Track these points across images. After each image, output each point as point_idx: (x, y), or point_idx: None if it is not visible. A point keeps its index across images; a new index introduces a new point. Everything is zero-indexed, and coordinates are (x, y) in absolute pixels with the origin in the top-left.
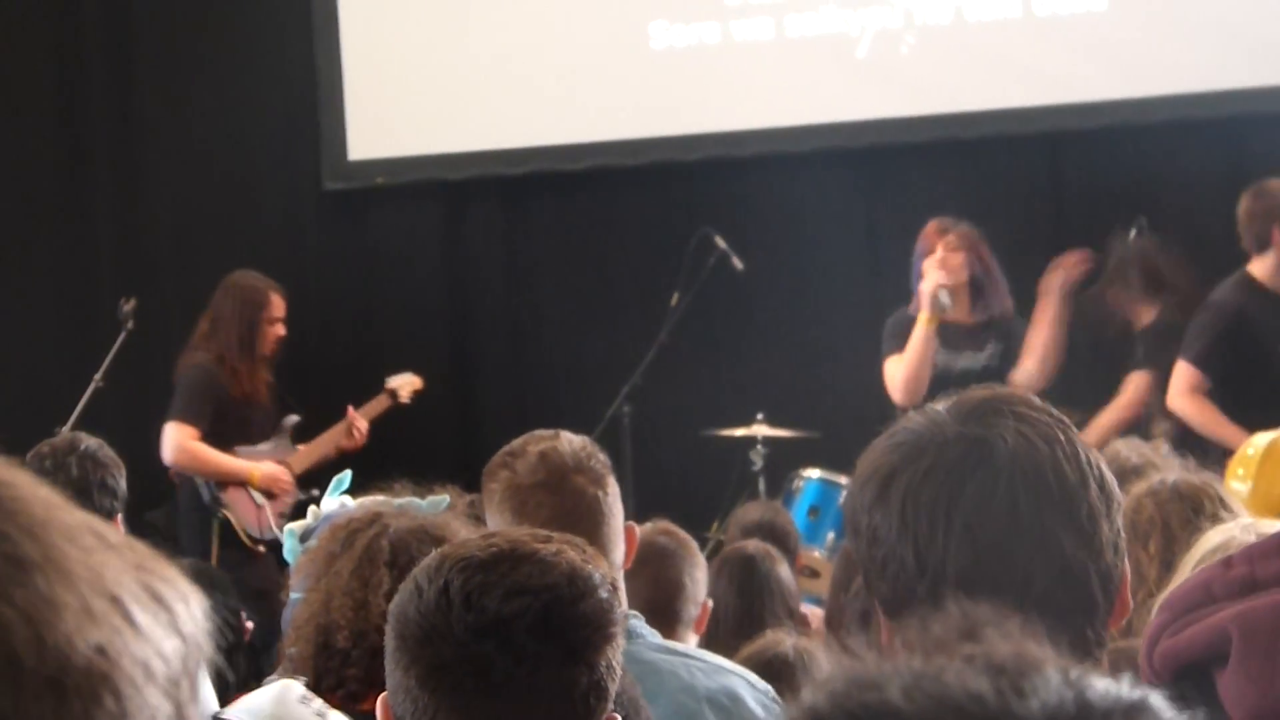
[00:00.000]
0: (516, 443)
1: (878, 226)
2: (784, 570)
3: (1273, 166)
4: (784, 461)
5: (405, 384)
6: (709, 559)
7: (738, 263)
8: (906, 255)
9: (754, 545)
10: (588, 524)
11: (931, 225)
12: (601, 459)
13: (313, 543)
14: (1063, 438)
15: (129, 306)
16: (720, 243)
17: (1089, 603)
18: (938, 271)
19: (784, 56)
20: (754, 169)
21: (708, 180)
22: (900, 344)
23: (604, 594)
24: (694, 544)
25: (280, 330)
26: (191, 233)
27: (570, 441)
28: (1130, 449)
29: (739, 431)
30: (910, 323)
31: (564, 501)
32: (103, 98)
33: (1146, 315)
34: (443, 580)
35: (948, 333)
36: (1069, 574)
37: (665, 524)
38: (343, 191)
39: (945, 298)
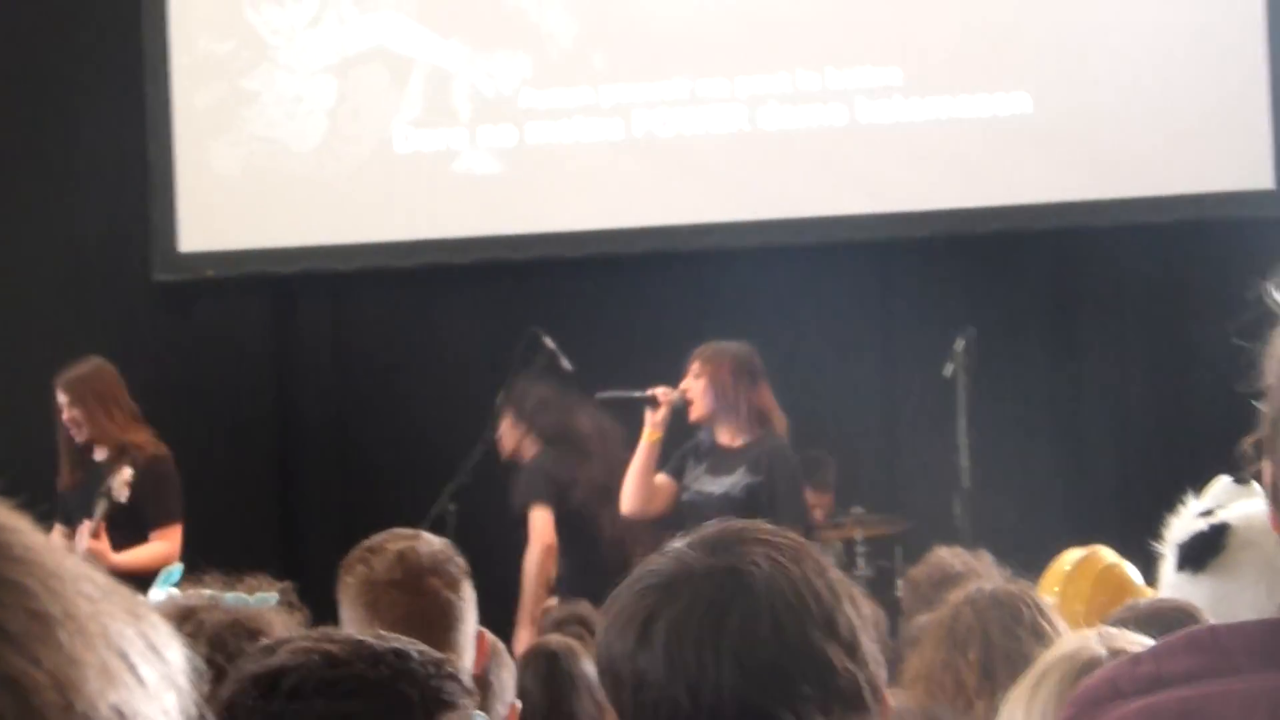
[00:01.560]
0: (377, 539)
1: (703, 330)
2: (589, 665)
3: (1103, 279)
4: None
5: (119, 482)
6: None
7: (565, 363)
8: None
9: (556, 640)
10: (440, 627)
11: (699, 350)
12: (459, 563)
13: None
14: (809, 558)
15: None
16: (548, 342)
17: (864, 712)
18: (664, 389)
19: (616, 157)
20: (584, 269)
21: (536, 280)
22: (668, 465)
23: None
24: (501, 645)
25: (68, 414)
26: (19, 321)
27: (430, 543)
28: (954, 557)
29: None
30: (687, 451)
31: (417, 602)
32: None
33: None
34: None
35: (714, 458)
36: (842, 687)
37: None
38: (173, 283)
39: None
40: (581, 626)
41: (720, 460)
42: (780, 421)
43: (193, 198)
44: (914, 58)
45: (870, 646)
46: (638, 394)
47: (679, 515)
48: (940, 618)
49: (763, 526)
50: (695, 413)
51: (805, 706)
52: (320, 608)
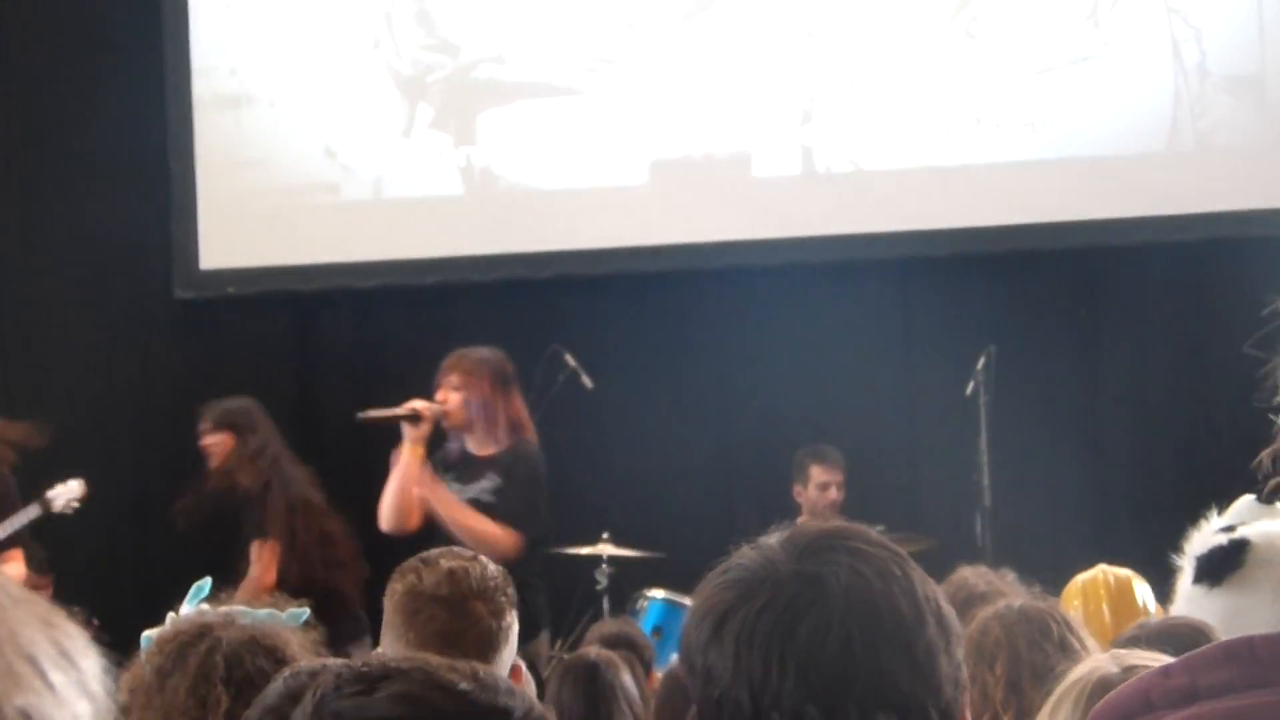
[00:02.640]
0: (433, 552)
1: (727, 348)
2: (628, 678)
3: (1124, 296)
4: (628, 580)
5: (63, 493)
6: (551, 676)
7: (587, 381)
8: (757, 377)
9: (595, 652)
10: (475, 650)
11: (448, 360)
12: (509, 593)
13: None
14: (898, 572)
15: None
16: (570, 360)
17: None
18: (424, 404)
19: (639, 175)
20: (606, 287)
21: (559, 297)
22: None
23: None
24: (520, 661)
25: None
26: (43, 337)
27: (484, 567)
28: (978, 576)
29: (584, 550)
30: (435, 462)
31: (457, 623)
32: None
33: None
34: None
35: (465, 467)
36: (906, 712)
37: None
38: (193, 300)
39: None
40: (630, 649)
41: (472, 468)
42: (531, 430)
43: (214, 215)
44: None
45: (951, 671)
46: (400, 411)
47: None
48: (968, 633)
49: (865, 534)
50: (453, 422)
51: None
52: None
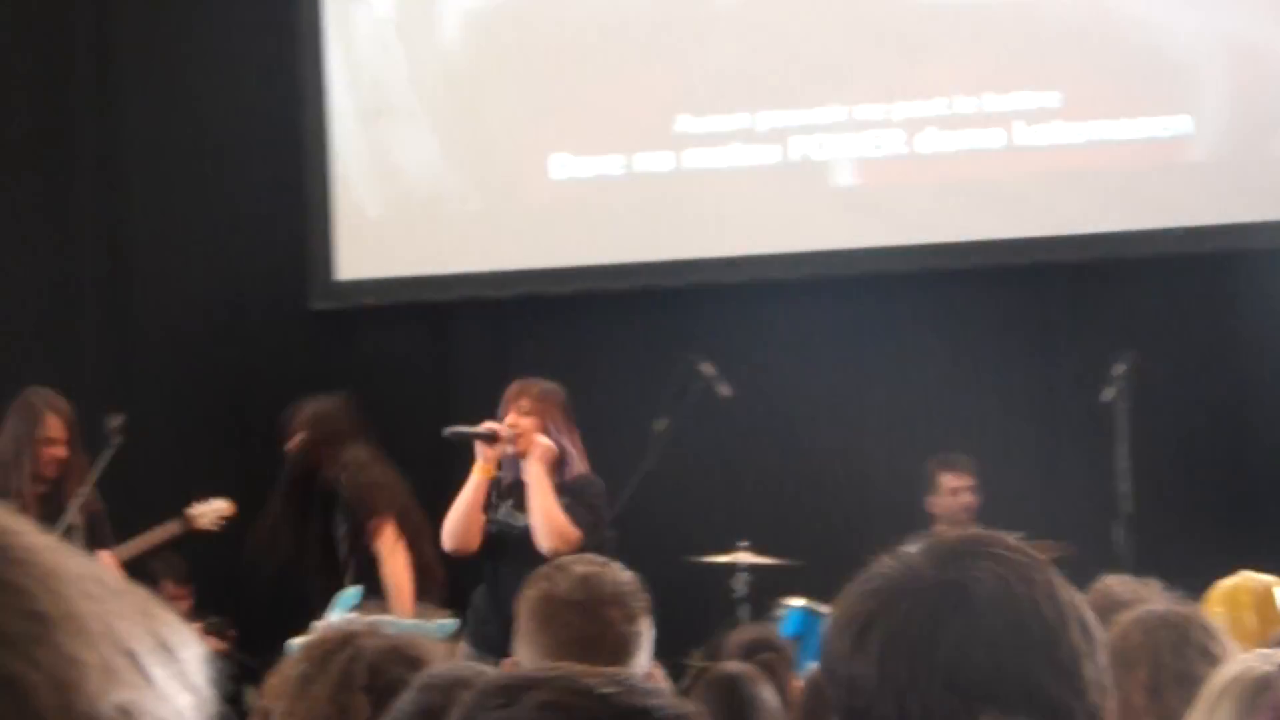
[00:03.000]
0: (567, 559)
1: (864, 356)
2: (768, 691)
3: (1264, 302)
4: (766, 589)
5: (208, 512)
6: (690, 686)
7: (723, 389)
8: (893, 385)
9: (735, 665)
10: (609, 656)
11: (512, 387)
12: (643, 598)
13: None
14: (1040, 578)
15: (116, 422)
16: (706, 369)
17: None
18: (500, 425)
19: (778, 182)
20: (742, 295)
21: (695, 306)
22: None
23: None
24: (659, 670)
25: (56, 453)
26: (180, 349)
27: (617, 573)
28: (1122, 585)
29: (722, 558)
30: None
31: (591, 628)
32: (92, 215)
33: None
34: None
35: (520, 494)
36: (1053, 717)
37: None
38: (330, 311)
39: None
40: (772, 652)
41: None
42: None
43: (350, 226)
44: (1073, 81)
45: (1095, 676)
46: (479, 430)
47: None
48: (1109, 638)
49: (1004, 540)
50: (523, 447)
51: None
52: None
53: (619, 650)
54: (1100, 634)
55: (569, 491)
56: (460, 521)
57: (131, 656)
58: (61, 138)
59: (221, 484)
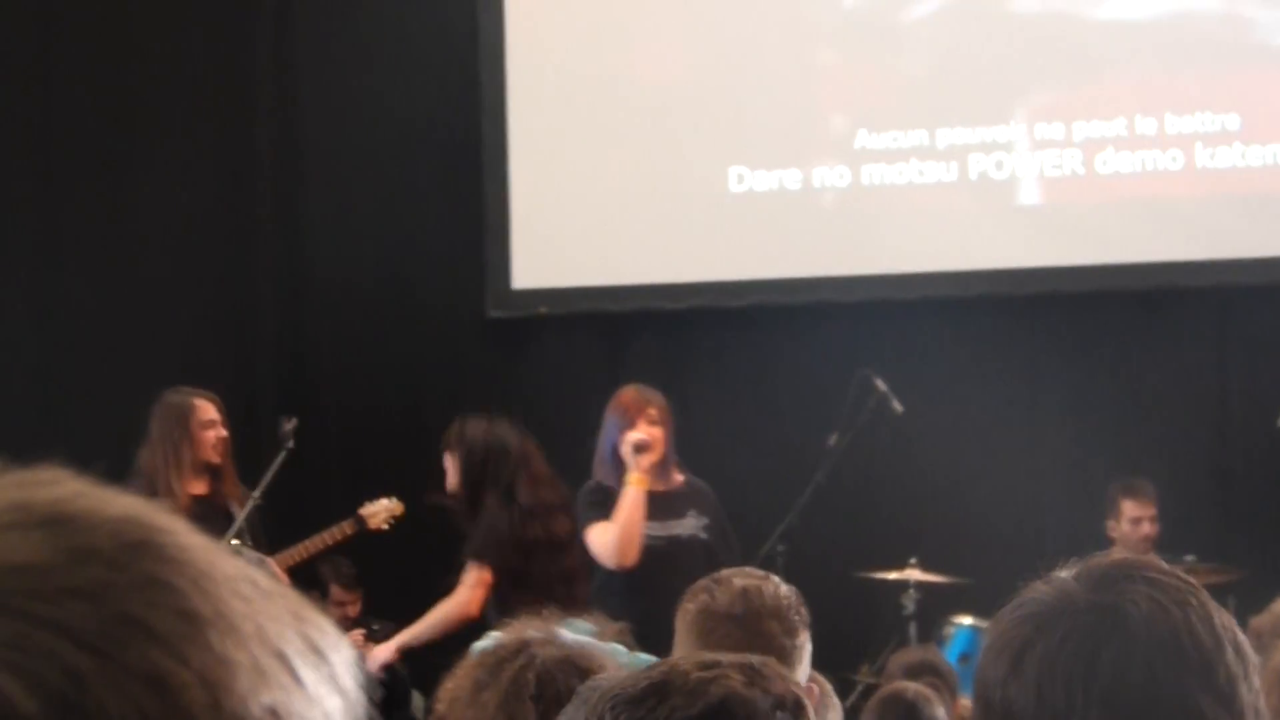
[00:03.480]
0: (726, 572)
1: (1036, 374)
2: (941, 713)
3: None
4: (936, 606)
5: (380, 511)
6: (859, 702)
7: (897, 405)
8: (1068, 405)
9: (913, 689)
10: None
11: (631, 394)
12: (802, 612)
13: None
14: (1194, 601)
15: (290, 426)
16: (880, 384)
17: None
18: (638, 436)
19: (953, 199)
20: (916, 312)
21: (869, 321)
22: (601, 512)
23: (774, 716)
24: (828, 686)
25: (219, 433)
26: (354, 354)
27: (777, 586)
28: None
29: (892, 575)
30: (604, 492)
31: (751, 641)
32: (270, 218)
33: None
34: (598, 717)
35: (650, 502)
36: None
37: None
38: (506, 320)
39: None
40: (935, 676)
41: (662, 505)
42: None
43: (527, 235)
44: (1253, 103)
45: (1251, 699)
46: (638, 440)
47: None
48: (1273, 665)
49: (1156, 564)
50: (655, 456)
51: None
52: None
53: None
54: (1254, 656)
55: (695, 504)
56: (628, 537)
57: (282, 658)
58: (242, 141)
59: (392, 490)
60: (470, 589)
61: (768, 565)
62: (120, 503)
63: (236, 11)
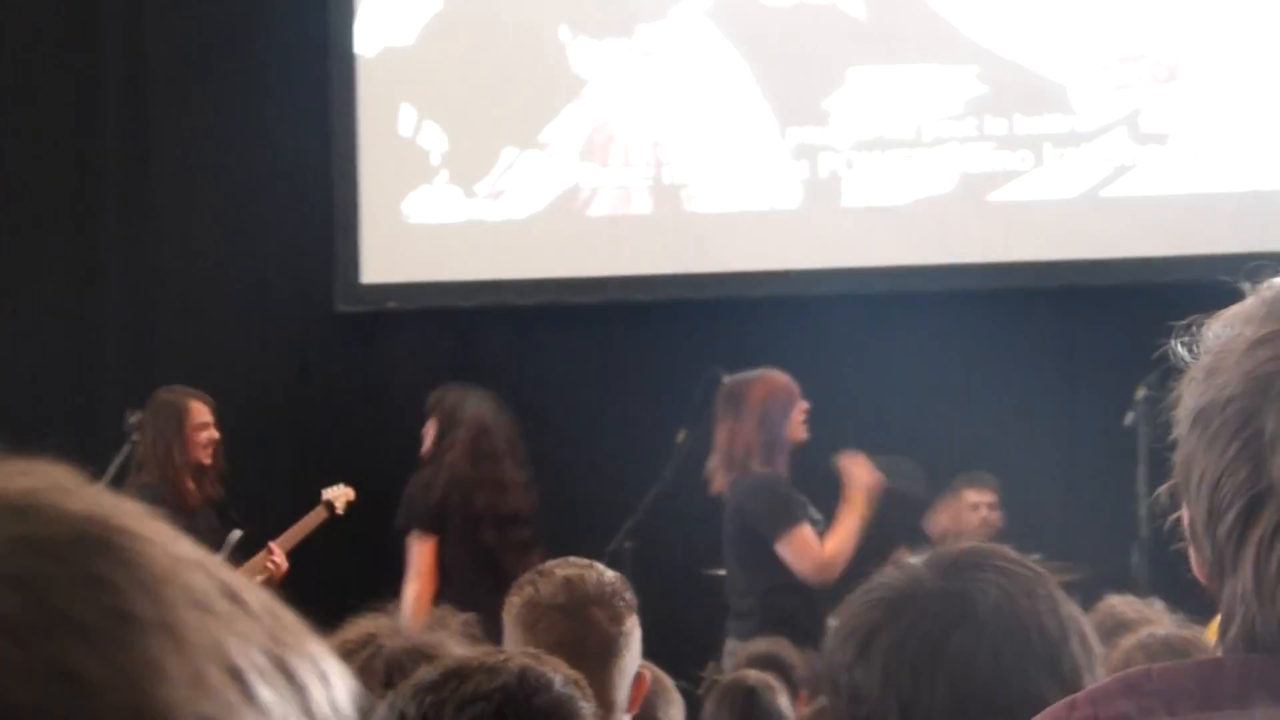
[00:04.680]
0: (549, 564)
1: (888, 373)
2: (784, 702)
3: None
4: None
5: (340, 495)
6: (704, 698)
7: None
8: (915, 404)
9: (755, 676)
10: (595, 657)
11: (786, 379)
12: (628, 598)
13: None
14: (1042, 591)
15: (134, 419)
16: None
17: None
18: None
19: (799, 200)
20: (765, 310)
21: (718, 319)
22: (801, 513)
23: (562, 689)
24: (669, 680)
25: (210, 434)
26: (201, 347)
27: (601, 574)
28: (1126, 605)
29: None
30: (790, 488)
31: (576, 630)
32: (115, 210)
33: None
34: (398, 712)
35: None
36: None
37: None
38: (354, 314)
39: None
40: (780, 668)
41: None
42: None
43: (376, 230)
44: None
45: None
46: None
47: None
48: (1111, 663)
49: (1006, 553)
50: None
51: None
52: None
53: (604, 651)
54: (1099, 648)
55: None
56: (845, 557)
57: (236, 674)
58: (88, 131)
59: (241, 483)
60: (412, 564)
61: (615, 562)
62: (94, 500)
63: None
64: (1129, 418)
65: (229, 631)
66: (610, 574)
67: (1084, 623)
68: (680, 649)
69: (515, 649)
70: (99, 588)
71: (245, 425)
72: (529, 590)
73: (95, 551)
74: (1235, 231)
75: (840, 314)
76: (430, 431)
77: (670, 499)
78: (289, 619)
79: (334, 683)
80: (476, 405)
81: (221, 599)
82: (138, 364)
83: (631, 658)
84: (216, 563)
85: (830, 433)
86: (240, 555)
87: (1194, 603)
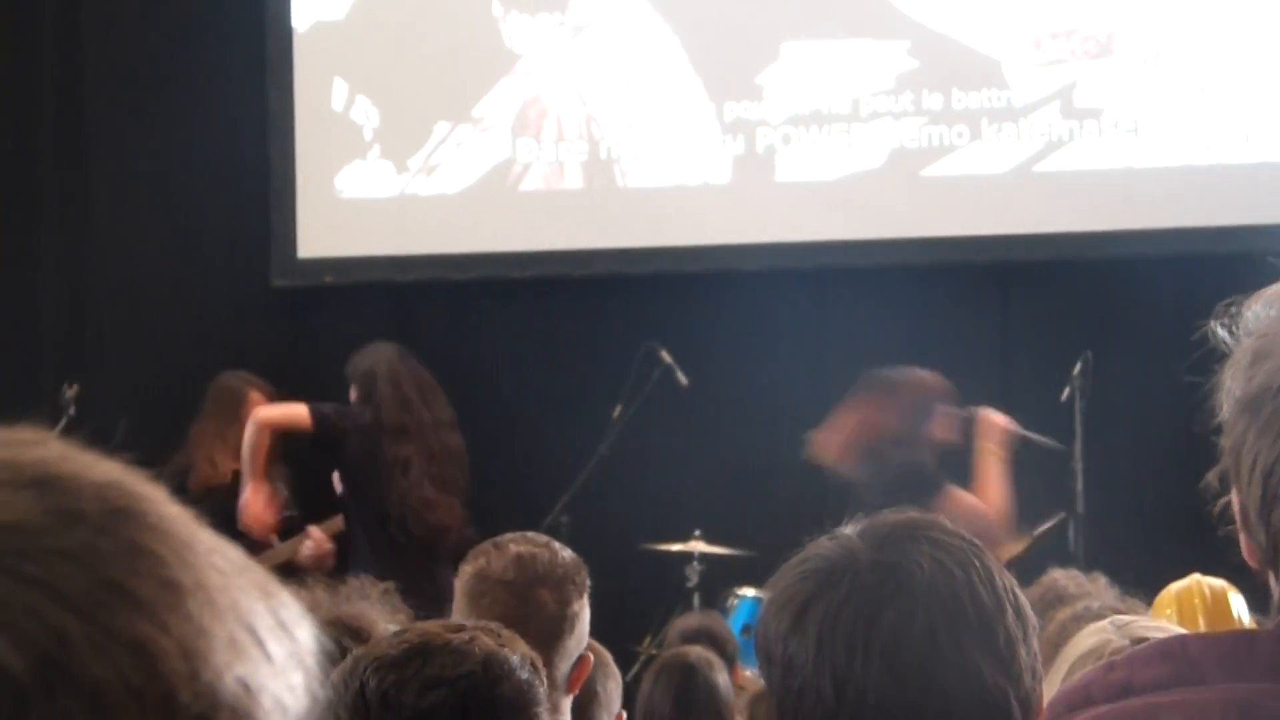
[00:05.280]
0: (506, 536)
1: (825, 348)
2: (723, 678)
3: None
4: (720, 579)
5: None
6: (641, 673)
7: (682, 378)
8: (852, 377)
9: (695, 653)
10: (537, 637)
11: (929, 375)
12: (579, 580)
13: None
14: (977, 563)
15: (71, 392)
16: (666, 357)
17: None
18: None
19: (733, 175)
20: (703, 285)
21: (656, 294)
22: (941, 479)
23: (523, 675)
24: (608, 655)
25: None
26: (137, 321)
27: (554, 553)
28: (1068, 579)
29: (675, 547)
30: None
31: (520, 608)
32: (53, 187)
33: None
34: (358, 682)
35: None
36: (989, 700)
37: None
38: (290, 288)
39: None
40: (712, 642)
41: None
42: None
43: (313, 205)
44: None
45: (1029, 661)
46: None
47: None
48: (1046, 634)
49: (941, 524)
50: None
51: (948, 717)
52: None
53: (547, 632)
54: (1034, 619)
55: None
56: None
57: (253, 632)
58: (24, 113)
59: (168, 457)
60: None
61: (551, 535)
62: (103, 467)
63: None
64: (1065, 393)
65: (238, 589)
66: (566, 554)
67: (1019, 594)
68: (616, 624)
69: (458, 618)
70: (144, 557)
71: (184, 402)
72: (480, 562)
73: (128, 520)
74: (1168, 207)
75: (775, 289)
76: (355, 396)
77: (608, 474)
78: (260, 570)
79: (308, 630)
80: (382, 356)
81: (220, 557)
82: (75, 339)
83: (576, 640)
84: (200, 521)
85: (765, 407)
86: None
87: (1129, 576)
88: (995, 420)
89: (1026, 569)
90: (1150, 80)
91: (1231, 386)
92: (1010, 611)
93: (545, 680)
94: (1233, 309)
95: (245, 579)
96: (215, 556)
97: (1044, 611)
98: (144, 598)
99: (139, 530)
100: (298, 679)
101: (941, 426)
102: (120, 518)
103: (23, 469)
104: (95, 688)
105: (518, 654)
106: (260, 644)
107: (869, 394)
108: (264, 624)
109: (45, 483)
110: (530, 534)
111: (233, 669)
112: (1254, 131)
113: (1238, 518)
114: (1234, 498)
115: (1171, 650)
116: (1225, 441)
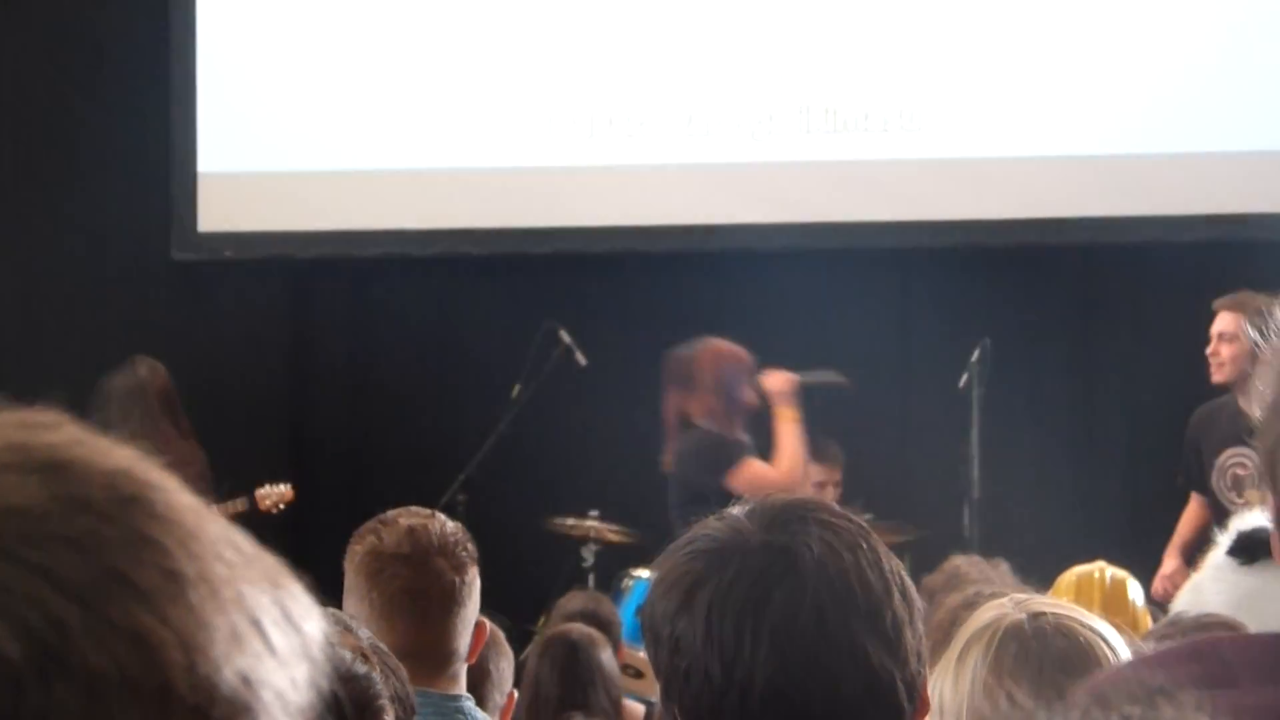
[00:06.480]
0: (391, 513)
1: (723, 331)
2: (607, 655)
3: (1120, 294)
4: (615, 560)
5: (271, 495)
6: (530, 652)
7: (581, 358)
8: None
9: (579, 629)
10: (438, 606)
11: (730, 345)
12: (469, 548)
13: None
14: (865, 545)
15: None
16: (565, 337)
17: (896, 711)
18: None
19: (642, 156)
20: (603, 266)
21: (556, 274)
22: (740, 453)
23: (359, 669)
24: (500, 633)
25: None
26: (39, 298)
27: (443, 524)
28: (971, 565)
29: (570, 522)
30: (728, 440)
31: (420, 579)
32: None
33: None
34: None
35: None
36: (876, 683)
37: None
38: (191, 263)
39: None
40: (596, 621)
41: None
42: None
43: (213, 179)
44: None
45: (914, 643)
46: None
47: None
48: (937, 620)
49: (830, 507)
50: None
51: (835, 699)
52: (326, 590)
53: (447, 600)
54: (919, 602)
55: None
56: (801, 465)
57: (257, 624)
58: None
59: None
60: None
61: (447, 514)
62: (116, 454)
63: None
64: (963, 380)
65: (244, 581)
66: (452, 524)
67: (905, 577)
68: (512, 603)
69: (356, 598)
70: (148, 546)
71: (82, 378)
72: (371, 540)
73: (135, 509)
74: (1068, 196)
75: (673, 270)
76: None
77: (506, 454)
78: (271, 560)
79: (316, 622)
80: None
81: (229, 547)
82: None
83: (473, 608)
84: (213, 510)
85: (659, 391)
86: None
87: (1023, 561)
88: (775, 382)
89: (929, 555)
90: (1054, 67)
91: (1263, 389)
92: (897, 594)
93: (400, 674)
94: (1263, 312)
95: (253, 570)
96: (223, 547)
97: (947, 596)
98: (146, 588)
99: (145, 519)
100: (302, 672)
101: (749, 392)
102: (127, 506)
103: (33, 453)
104: (92, 677)
105: (348, 652)
106: (264, 636)
107: (671, 376)
108: (269, 616)
109: (54, 468)
110: (412, 508)
111: (233, 661)
112: (1148, 122)
113: (1273, 520)
114: (1270, 499)
115: (1203, 651)
116: (1259, 444)
